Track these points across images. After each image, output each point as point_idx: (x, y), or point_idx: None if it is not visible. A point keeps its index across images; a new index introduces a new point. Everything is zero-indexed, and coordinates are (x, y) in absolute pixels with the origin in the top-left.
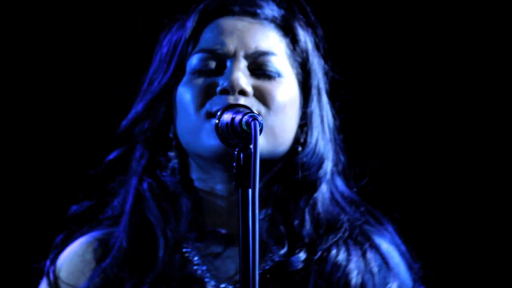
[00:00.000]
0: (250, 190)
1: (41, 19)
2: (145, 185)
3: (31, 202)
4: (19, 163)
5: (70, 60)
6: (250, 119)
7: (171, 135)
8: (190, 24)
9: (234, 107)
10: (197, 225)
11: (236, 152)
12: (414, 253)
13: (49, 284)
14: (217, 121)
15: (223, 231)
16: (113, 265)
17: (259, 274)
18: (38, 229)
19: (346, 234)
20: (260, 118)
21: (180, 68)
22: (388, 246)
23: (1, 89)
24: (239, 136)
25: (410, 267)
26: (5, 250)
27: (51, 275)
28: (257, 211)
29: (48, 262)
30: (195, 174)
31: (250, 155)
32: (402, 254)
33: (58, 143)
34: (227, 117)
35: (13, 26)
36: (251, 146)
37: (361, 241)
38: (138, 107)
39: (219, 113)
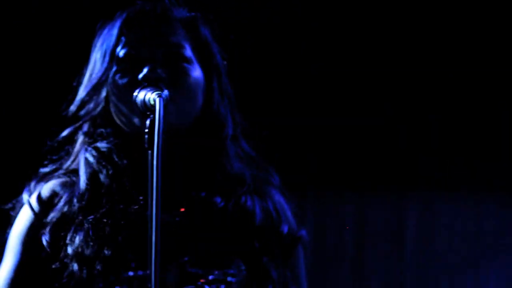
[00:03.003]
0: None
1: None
2: (89, 152)
3: None
4: None
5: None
6: (157, 96)
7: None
8: (117, 28)
9: (148, 86)
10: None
11: (148, 122)
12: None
13: (32, 208)
14: (134, 99)
15: None
16: (73, 199)
17: (182, 211)
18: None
19: (251, 187)
20: (164, 94)
21: (112, 61)
22: (279, 196)
23: None
24: (151, 109)
25: (294, 214)
26: None
27: (32, 200)
28: (160, 169)
29: (25, 195)
30: (128, 143)
31: (161, 124)
32: (287, 203)
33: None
34: (141, 95)
35: (13, 26)
36: (156, 117)
37: (261, 192)
38: (82, 93)
39: (136, 92)
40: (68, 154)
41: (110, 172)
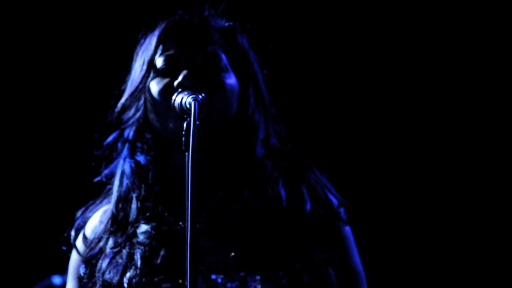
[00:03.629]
0: (190, 152)
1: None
2: (127, 164)
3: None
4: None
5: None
6: (192, 100)
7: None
8: (157, 36)
9: (184, 91)
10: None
11: (185, 124)
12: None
13: (77, 249)
14: (172, 103)
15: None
16: (104, 229)
17: (209, 208)
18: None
19: (271, 175)
20: (199, 97)
21: (150, 69)
22: (310, 177)
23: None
24: (187, 112)
25: (333, 196)
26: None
27: (78, 240)
28: (195, 166)
29: (73, 232)
30: (166, 151)
31: (195, 126)
32: (325, 186)
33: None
34: (178, 98)
35: (13, 26)
36: (191, 120)
37: (285, 178)
38: (123, 99)
39: (174, 96)
40: (111, 162)
41: (142, 193)
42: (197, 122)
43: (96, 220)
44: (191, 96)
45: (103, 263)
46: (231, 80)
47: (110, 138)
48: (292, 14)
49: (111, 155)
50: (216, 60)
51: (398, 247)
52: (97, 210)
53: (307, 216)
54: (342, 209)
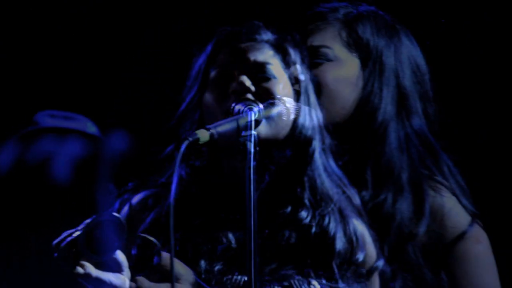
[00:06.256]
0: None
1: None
2: (183, 169)
3: None
4: None
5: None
6: (247, 109)
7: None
8: (210, 50)
9: (242, 101)
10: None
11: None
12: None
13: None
14: (231, 113)
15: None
16: (162, 214)
17: (271, 225)
18: None
19: (335, 206)
20: (255, 108)
21: (205, 80)
22: (360, 221)
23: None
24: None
25: (374, 242)
26: None
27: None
28: (253, 176)
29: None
30: (220, 157)
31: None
32: (368, 229)
33: None
34: (237, 108)
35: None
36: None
37: (343, 214)
38: (180, 110)
39: (231, 106)
40: (165, 170)
41: (200, 190)
42: (254, 132)
43: (140, 199)
44: (247, 107)
45: (195, 238)
46: (284, 90)
47: (168, 149)
48: (292, 14)
49: (163, 166)
50: (266, 69)
51: None
52: (142, 191)
53: (355, 264)
54: (380, 262)
